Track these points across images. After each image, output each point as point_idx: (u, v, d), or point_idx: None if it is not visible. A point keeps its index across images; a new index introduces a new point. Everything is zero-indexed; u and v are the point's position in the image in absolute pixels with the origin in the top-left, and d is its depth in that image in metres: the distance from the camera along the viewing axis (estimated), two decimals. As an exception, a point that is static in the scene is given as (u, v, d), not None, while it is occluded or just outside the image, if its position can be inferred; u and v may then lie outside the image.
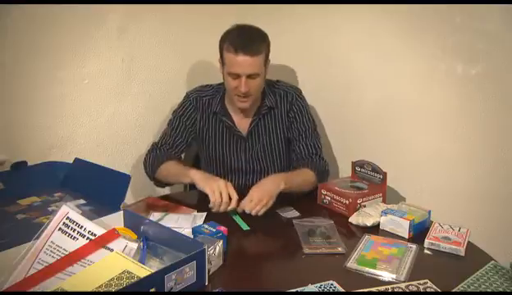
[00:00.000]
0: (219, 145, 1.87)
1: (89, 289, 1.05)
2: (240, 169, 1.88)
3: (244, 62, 1.66)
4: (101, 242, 1.20)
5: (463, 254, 1.34)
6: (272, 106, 1.85)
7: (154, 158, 1.81)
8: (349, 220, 1.56)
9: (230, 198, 1.54)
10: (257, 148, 1.87)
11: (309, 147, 1.86)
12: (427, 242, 1.39)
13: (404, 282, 1.20)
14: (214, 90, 1.88)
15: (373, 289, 1.17)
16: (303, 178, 1.76)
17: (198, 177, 1.63)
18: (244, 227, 1.52)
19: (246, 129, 1.86)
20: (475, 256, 1.34)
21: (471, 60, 1.63)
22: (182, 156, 1.94)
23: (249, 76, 1.69)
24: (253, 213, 1.55)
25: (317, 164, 1.82)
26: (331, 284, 1.18)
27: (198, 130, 1.87)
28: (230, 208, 1.54)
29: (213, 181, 1.58)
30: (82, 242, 1.20)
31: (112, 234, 1.22)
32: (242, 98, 1.74)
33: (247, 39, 1.68)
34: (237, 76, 1.69)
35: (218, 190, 1.54)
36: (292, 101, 1.87)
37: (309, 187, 1.78)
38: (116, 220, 1.33)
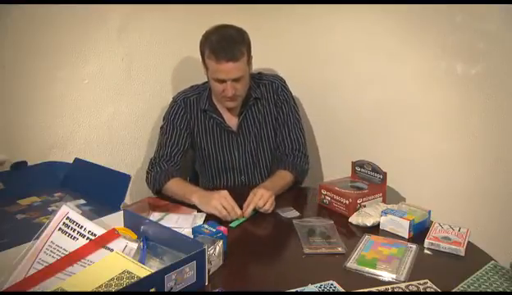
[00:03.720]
0: (211, 143, 1.88)
1: (89, 289, 1.05)
2: (234, 166, 1.89)
3: (227, 68, 1.67)
4: (101, 242, 1.20)
5: (463, 254, 1.34)
6: (258, 96, 1.87)
7: (155, 177, 1.76)
8: (349, 220, 1.56)
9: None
10: (248, 141, 1.89)
11: (293, 140, 1.88)
12: (427, 242, 1.39)
13: (404, 282, 1.20)
14: (200, 89, 1.89)
15: (373, 289, 1.17)
16: (283, 183, 1.78)
17: (198, 202, 1.61)
18: (234, 224, 1.53)
19: (236, 124, 1.87)
20: (475, 256, 1.34)
21: (471, 59, 1.63)
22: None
23: (234, 80, 1.70)
24: (266, 208, 1.58)
25: (297, 163, 1.85)
26: (331, 284, 1.18)
27: (191, 131, 1.87)
28: (237, 216, 1.55)
29: (212, 199, 1.56)
30: (82, 242, 1.20)
31: (111, 234, 1.22)
32: (229, 100, 1.76)
33: (227, 45, 1.66)
34: (222, 81, 1.70)
35: (220, 206, 1.54)
36: (278, 90, 1.89)
37: (288, 187, 1.81)
38: (116, 220, 1.33)
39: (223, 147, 1.88)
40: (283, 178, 1.80)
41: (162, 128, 1.88)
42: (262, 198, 1.58)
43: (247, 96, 1.84)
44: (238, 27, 1.74)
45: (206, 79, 1.92)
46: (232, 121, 1.88)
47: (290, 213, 1.63)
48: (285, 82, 1.93)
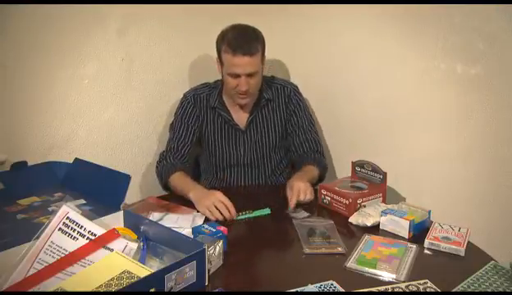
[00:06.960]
0: (218, 139, 1.90)
1: (89, 289, 1.05)
2: (239, 162, 1.91)
3: (242, 62, 1.71)
4: (101, 242, 1.20)
5: (463, 254, 1.34)
6: (270, 98, 1.90)
7: (161, 171, 1.82)
8: (349, 220, 1.56)
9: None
10: (255, 141, 1.91)
11: (310, 142, 1.92)
12: (427, 242, 1.39)
13: (404, 282, 1.20)
14: (211, 87, 1.93)
15: (373, 289, 1.17)
16: (311, 176, 1.80)
17: (193, 200, 1.63)
18: (267, 212, 1.59)
19: (244, 123, 1.90)
20: (475, 256, 1.34)
21: (470, 60, 1.63)
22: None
23: (249, 75, 1.74)
24: (308, 197, 1.63)
25: (319, 160, 1.88)
26: (331, 284, 1.18)
27: (200, 126, 1.89)
28: (231, 216, 1.56)
29: (204, 199, 1.58)
30: (82, 242, 1.20)
31: (111, 234, 1.22)
32: (242, 95, 1.79)
33: (244, 40, 1.72)
34: (237, 76, 1.74)
35: (212, 206, 1.55)
36: (290, 94, 1.93)
37: (315, 182, 1.82)
38: (116, 220, 1.33)
39: (230, 143, 1.91)
40: (311, 171, 1.82)
41: (171, 123, 1.92)
42: (301, 192, 1.62)
43: (259, 97, 1.89)
44: (253, 27, 1.79)
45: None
46: (241, 119, 1.91)
47: (300, 214, 1.61)
48: (297, 88, 1.97)
